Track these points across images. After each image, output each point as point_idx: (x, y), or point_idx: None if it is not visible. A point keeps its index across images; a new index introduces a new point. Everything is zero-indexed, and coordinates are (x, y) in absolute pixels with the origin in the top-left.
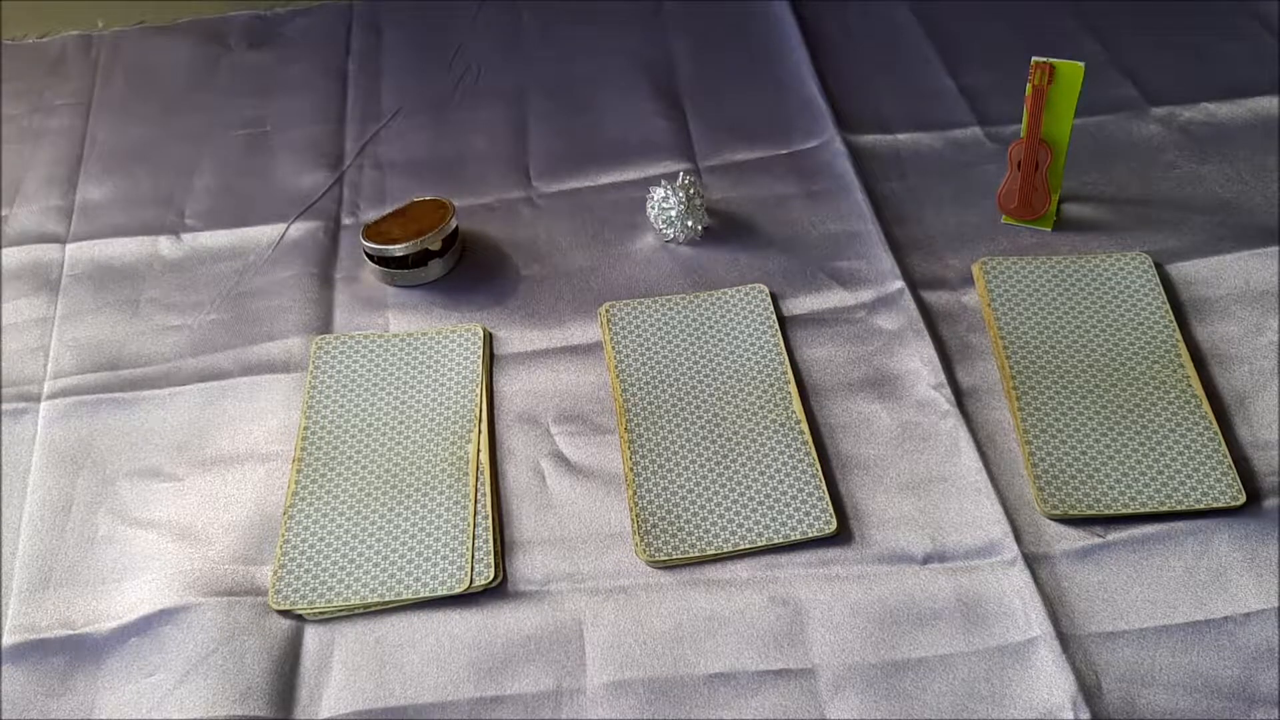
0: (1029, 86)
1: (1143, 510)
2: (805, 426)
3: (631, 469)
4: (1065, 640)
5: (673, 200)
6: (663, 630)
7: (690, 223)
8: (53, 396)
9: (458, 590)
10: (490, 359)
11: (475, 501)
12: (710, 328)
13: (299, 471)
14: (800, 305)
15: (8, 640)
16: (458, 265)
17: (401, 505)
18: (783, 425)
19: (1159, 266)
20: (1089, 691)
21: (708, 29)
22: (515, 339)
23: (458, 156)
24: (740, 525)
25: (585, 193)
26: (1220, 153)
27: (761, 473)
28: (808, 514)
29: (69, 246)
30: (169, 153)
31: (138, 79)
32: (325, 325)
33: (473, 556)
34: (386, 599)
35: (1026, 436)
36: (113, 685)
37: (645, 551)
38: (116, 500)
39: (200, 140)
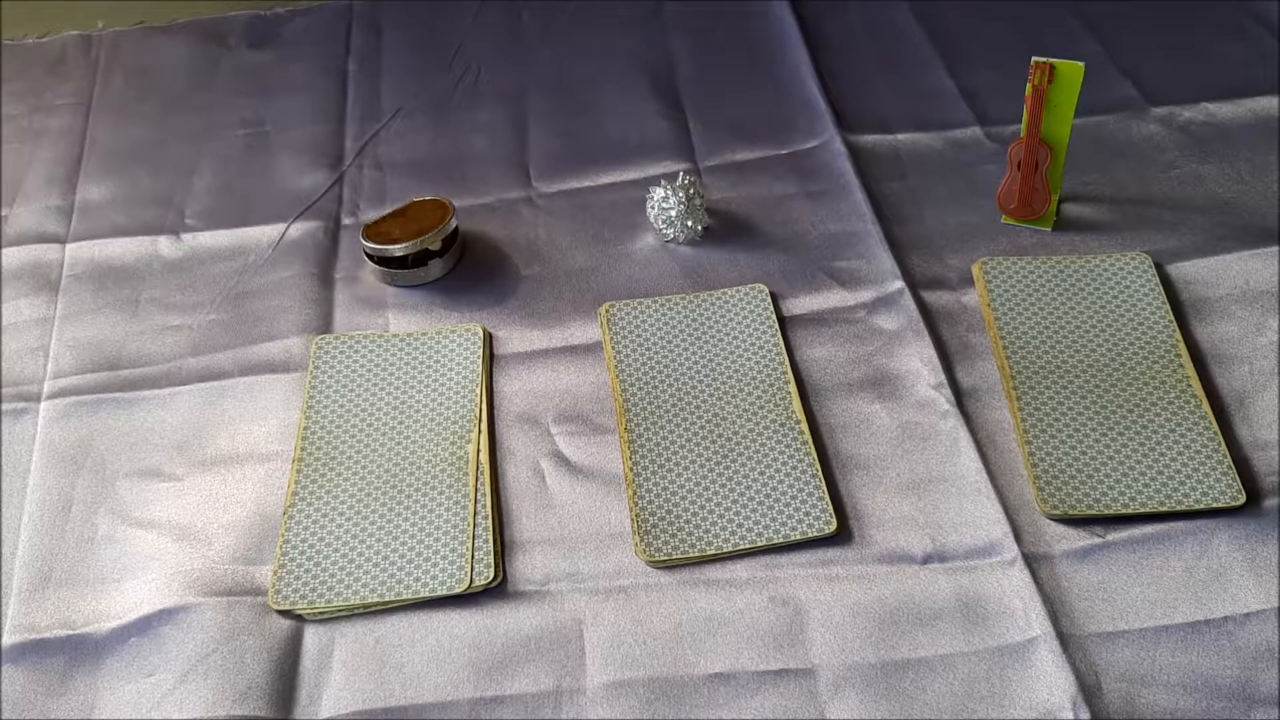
0: (1029, 86)
1: (1143, 510)
2: (805, 426)
3: (631, 469)
4: (1065, 640)
5: (673, 200)
6: (663, 630)
7: (690, 223)
8: (52, 396)
9: (458, 590)
10: (490, 359)
11: (475, 501)
12: (710, 328)
13: (299, 471)
14: (800, 305)
15: (8, 640)
16: (458, 265)
17: (401, 505)
18: (783, 425)
19: (1159, 266)
20: (1089, 691)
21: (708, 29)
22: (515, 339)
23: (458, 156)
24: (740, 525)
25: (585, 193)
26: (1220, 153)
27: (761, 473)
28: (808, 514)
29: (69, 246)
30: (169, 153)
31: (138, 79)
32: (325, 325)
33: (473, 556)
34: (386, 599)
35: (1026, 436)
36: (112, 685)
37: (645, 551)
38: (116, 500)
39: (200, 140)
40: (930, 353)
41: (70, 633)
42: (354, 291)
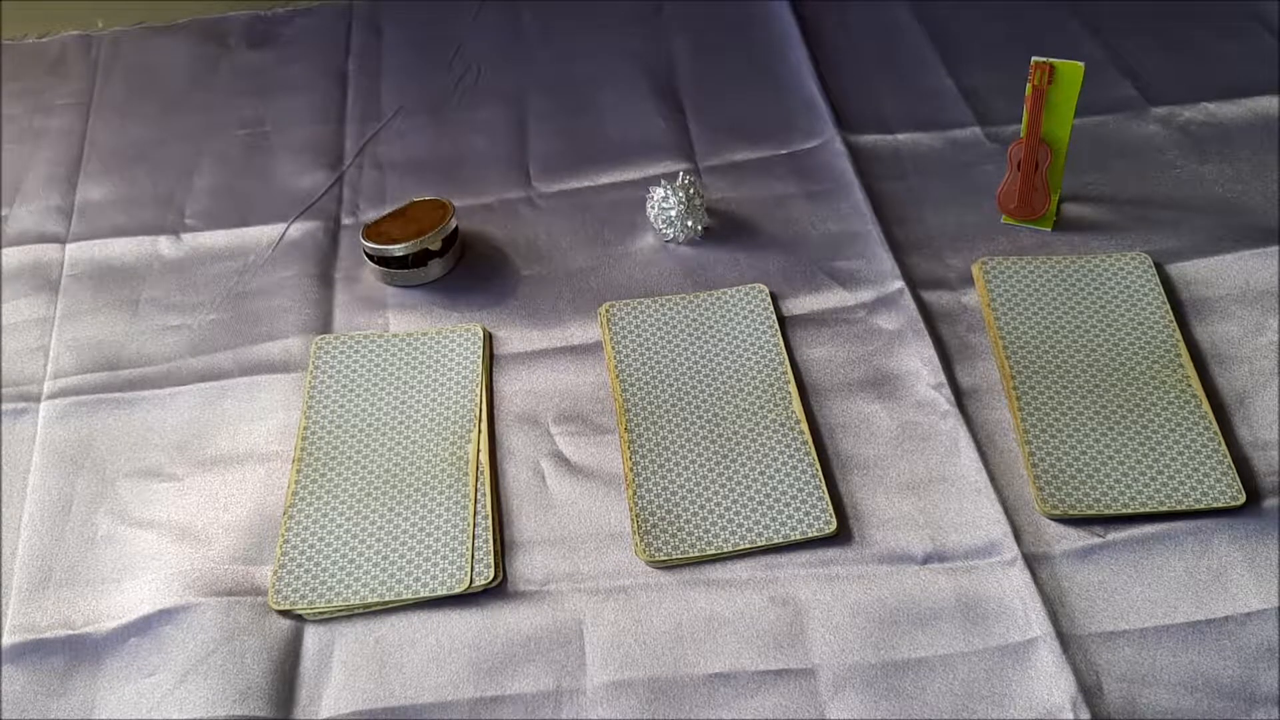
0: (1029, 86)
1: (1143, 510)
2: (805, 426)
3: (631, 469)
4: (1065, 640)
5: (673, 200)
6: (663, 630)
7: (690, 223)
8: (53, 396)
9: (458, 590)
10: (490, 359)
11: (475, 501)
12: (710, 328)
13: (299, 471)
14: (800, 305)
15: (8, 640)
16: (458, 265)
17: (401, 505)
18: (783, 425)
19: (1159, 266)
20: (1089, 691)
21: (708, 29)
22: (515, 339)
23: (458, 156)
24: (740, 525)
25: (585, 193)
26: (1220, 153)
27: (761, 473)
28: (808, 514)
29: (69, 246)
30: (169, 153)
31: (138, 79)
32: (325, 325)
33: (473, 556)
34: (386, 599)
35: (1026, 436)
36: (113, 685)
37: (645, 551)
38: (116, 500)
39: (200, 140)
40: (930, 353)
41: (70, 633)
42: (354, 291)
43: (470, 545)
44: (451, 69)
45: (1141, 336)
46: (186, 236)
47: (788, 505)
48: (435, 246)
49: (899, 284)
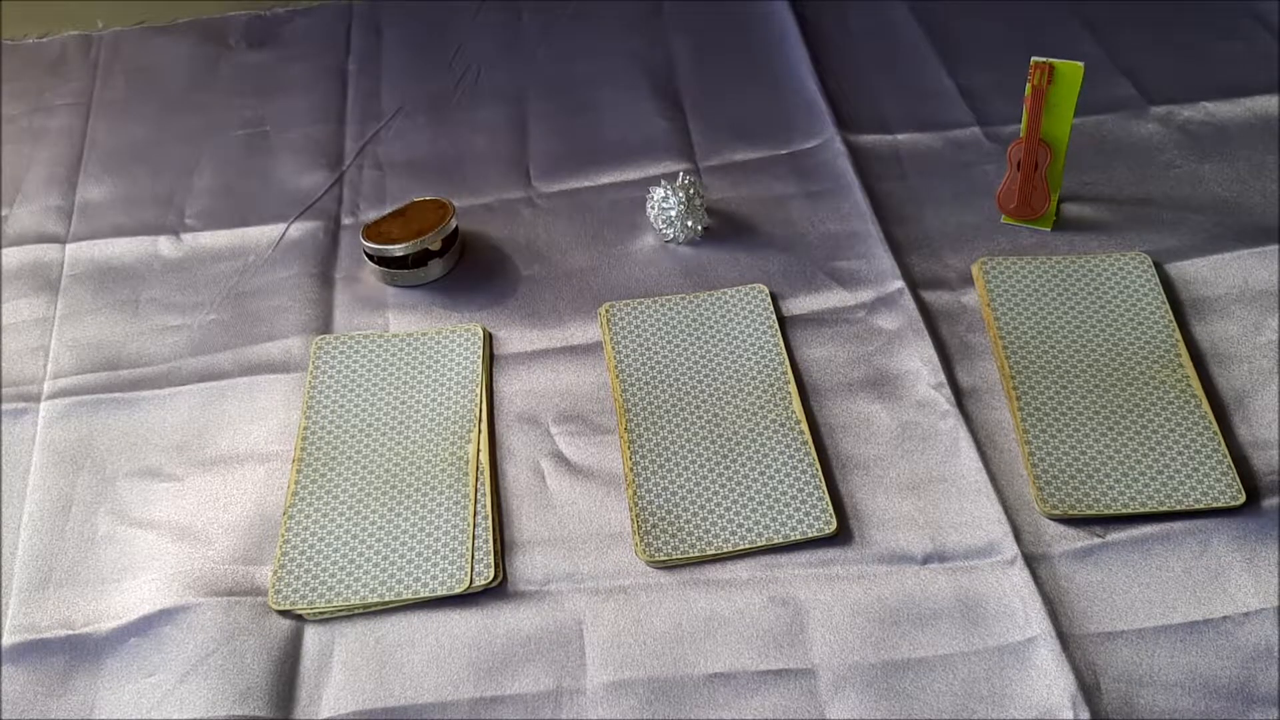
0: (1028, 86)
1: (1142, 510)
2: (805, 426)
3: (631, 469)
4: (1065, 640)
5: (673, 200)
6: (663, 630)
7: (690, 223)
8: (53, 396)
9: (458, 590)
10: (490, 359)
11: (475, 501)
12: (710, 328)
13: (299, 471)
14: (800, 305)
15: (8, 640)
16: (458, 265)
17: (401, 505)
18: (783, 425)
19: (1159, 266)
20: (1088, 691)
21: (708, 29)
22: (515, 339)
23: (458, 156)
24: (740, 525)
25: (585, 193)
26: (1220, 152)
27: (761, 473)
28: (807, 514)
29: (69, 246)
30: (169, 153)
31: (138, 79)
32: (325, 325)
33: (473, 556)
34: (386, 599)
35: (1026, 436)
36: (113, 685)
37: (645, 551)
38: (116, 500)
39: (200, 140)
40: (930, 353)
41: (70, 633)
42: (354, 291)
43: (470, 545)
44: (451, 69)
45: (1141, 336)
46: (186, 236)
47: (788, 505)
48: (435, 246)
49: (899, 284)
